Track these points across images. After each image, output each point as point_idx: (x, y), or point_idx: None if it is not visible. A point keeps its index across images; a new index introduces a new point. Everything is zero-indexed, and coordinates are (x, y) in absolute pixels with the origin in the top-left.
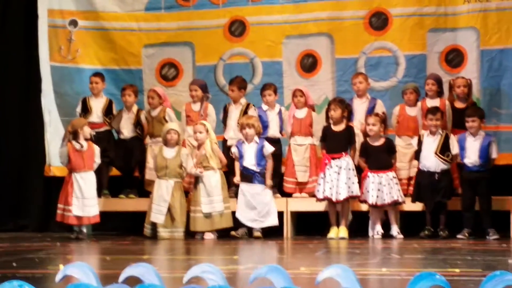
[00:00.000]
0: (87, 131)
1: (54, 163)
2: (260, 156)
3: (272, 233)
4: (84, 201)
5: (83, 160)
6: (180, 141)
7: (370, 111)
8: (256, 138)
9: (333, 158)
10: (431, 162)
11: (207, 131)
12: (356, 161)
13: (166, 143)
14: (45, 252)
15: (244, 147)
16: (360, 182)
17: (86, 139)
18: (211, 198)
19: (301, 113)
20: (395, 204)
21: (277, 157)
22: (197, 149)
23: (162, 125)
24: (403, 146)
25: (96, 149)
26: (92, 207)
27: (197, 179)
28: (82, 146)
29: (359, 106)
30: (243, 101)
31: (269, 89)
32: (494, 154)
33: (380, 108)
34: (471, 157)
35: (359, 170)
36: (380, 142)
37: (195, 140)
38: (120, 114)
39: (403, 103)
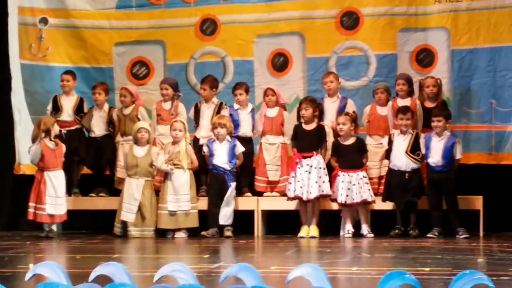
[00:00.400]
0: (56, 129)
1: (24, 162)
2: (232, 155)
3: (243, 232)
4: (57, 199)
5: (56, 158)
6: (151, 139)
7: (341, 111)
8: (228, 137)
9: (304, 157)
10: (402, 161)
11: (185, 129)
12: (327, 160)
13: (136, 141)
14: (14, 250)
15: (215, 145)
16: (331, 181)
17: (55, 137)
18: (178, 196)
19: (273, 112)
20: (365, 203)
21: (249, 156)
22: (171, 146)
23: (134, 123)
24: (374, 145)
25: (64, 147)
26: (62, 205)
27: (166, 177)
28: (56, 144)
29: (330, 105)
30: (215, 100)
31: (240, 88)
32: (458, 155)
33: (351, 107)
34: (435, 157)
35: (330, 169)
36: (351, 141)
37: (173, 137)
38: (91, 112)
39: (374, 103)
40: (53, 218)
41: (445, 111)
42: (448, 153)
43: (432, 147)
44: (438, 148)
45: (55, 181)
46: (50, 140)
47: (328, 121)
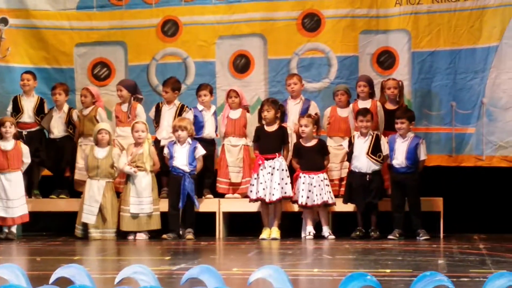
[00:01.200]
0: (10, 130)
1: None
2: (192, 157)
3: (204, 234)
4: (8, 202)
5: (7, 160)
6: (111, 141)
7: (304, 112)
8: (188, 139)
9: (267, 159)
10: (362, 163)
11: (147, 130)
12: (289, 161)
13: (97, 143)
14: None
15: (175, 147)
16: (292, 183)
17: (14, 139)
18: (140, 199)
19: (236, 114)
20: (325, 205)
21: (211, 157)
22: (133, 147)
23: (93, 124)
24: (335, 147)
25: (25, 148)
26: (17, 207)
27: (127, 178)
28: (14, 146)
29: (293, 107)
30: (177, 102)
31: (205, 89)
32: (422, 156)
33: (314, 109)
34: (399, 158)
35: (292, 171)
36: (312, 143)
37: (136, 138)
38: (50, 113)
39: (334, 105)
40: (5, 220)
41: (408, 112)
42: (412, 154)
43: (396, 149)
44: (402, 149)
45: (7, 183)
46: (1, 140)
47: (291, 123)
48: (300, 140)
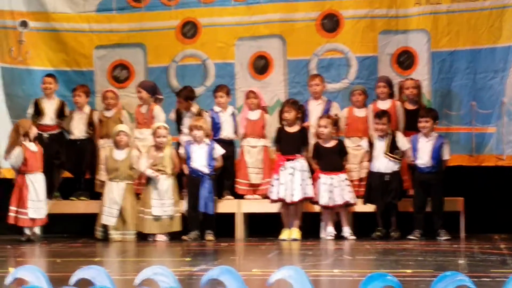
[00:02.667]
0: (34, 131)
1: (4, 166)
2: (210, 158)
3: (224, 235)
4: (39, 203)
5: (37, 161)
6: (131, 142)
7: (326, 113)
8: (206, 140)
9: (288, 160)
10: (381, 163)
11: (168, 134)
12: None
13: (116, 145)
14: None
15: (193, 148)
16: (312, 183)
17: (34, 140)
18: (163, 201)
19: (254, 115)
20: (347, 205)
21: (230, 159)
22: (154, 151)
23: None
24: (353, 147)
25: (42, 150)
26: (43, 209)
27: (148, 181)
28: (38, 147)
29: (315, 108)
30: (194, 108)
31: (221, 90)
32: (446, 156)
33: (335, 110)
34: (424, 158)
35: (311, 172)
36: (331, 144)
37: (157, 143)
38: (71, 115)
39: (351, 105)
40: (35, 221)
41: (432, 112)
42: (437, 154)
43: (420, 148)
44: (427, 149)
45: (36, 184)
46: (30, 142)
47: (313, 123)
48: (319, 141)
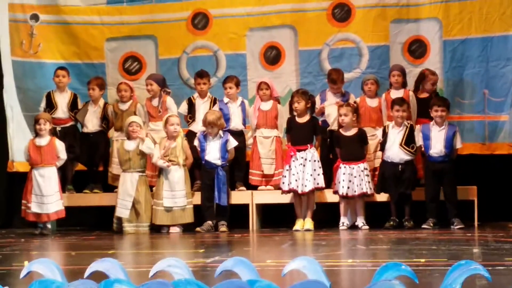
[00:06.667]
0: (44, 126)
1: (17, 159)
2: (224, 150)
3: (237, 226)
4: (43, 198)
5: (41, 155)
6: (143, 134)
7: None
8: (220, 132)
9: (298, 150)
10: (395, 153)
11: (179, 125)
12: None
13: (128, 136)
14: (9, 248)
15: (207, 140)
16: (333, 174)
17: (50, 135)
18: (174, 192)
19: (267, 105)
20: (364, 196)
21: (241, 149)
22: (166, 141)
23: None
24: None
25: (60, 145)
26: (51, 203)
27: (160, 172)
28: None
29: (333, 99)
30: (209, 95)
31: (230, 82)
32: (458, 144)
33: (352, 101)
34: (437, 147)
35: (329, 162)
36: (352, 132)
37: (171, 132)
38: (86, 107)
39: (363, 95)
40: (39, 217)
41: (446, 101)
42: (450, 143)
43: (433, 137)
44: (440, 138)
45: (40, 179)
46: (41, 136)
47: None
48: (340, 129)
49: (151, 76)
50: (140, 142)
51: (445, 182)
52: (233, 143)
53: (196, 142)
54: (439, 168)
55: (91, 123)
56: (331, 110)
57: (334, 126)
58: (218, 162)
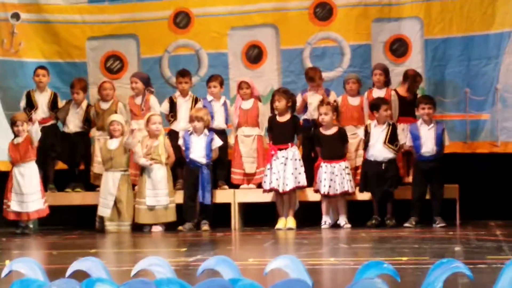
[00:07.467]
0: (21, 127)
1: None
2: (209, 149)
3: (220, 225)
4: (23, 196)
5: (19, 152)
6: (125, 132)
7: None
8: (205, 131)
9: (279, 149)
10: (378, 151)
11: (161, 123)
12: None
13: (110, 135)
14: None
15: (192, 138)
16: (314, 172)
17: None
18: (156, 191)
19: (248, 104)
20: (345, 194)
21: (223, 148)
22: (148, 140)
23: None
24: (348, 136)
25: (32, 140)
26: (31, 202)
27: (143, 171)
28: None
29: (314, 98)
30: (191, 94)
31: (214, 80)
32: (447, 142)
33: (333, 99)
34: (428, 146)
35: (311, 160)
36: (332, 131)
37: (153, 131)
38: (67, 105)
39: (345, 94)
40: (20, 215)
41: (433, 98)
42: (440, 140)
43: (423, 136)
44: (430, 136)
45: (20, 178)
46: (18, 135)
47: (309, 114)
48: (320, 128)
49: (136, 74)
50: (123, 138)
51: (434, 180)
52: (218, 142)
53: (180, 141)
54: (429, 167)
55: (73, 124)
56: (312, 100)
57: (316, 116)
58: (203, 160)
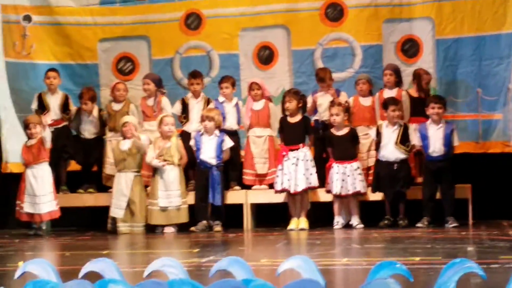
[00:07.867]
0: (34, 129)
1: (11, 160)
2: (220, 150)
3: (232, 226)
4: (35, 198)
5: (32, 154)
6: (136, 134)
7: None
8: (216, 131)
9: (291, 150)
10: (390, 152)
11: (174, 125)
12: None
13: (123, 136)
14: (3, 249)
15: (203, 139)
16: (325, 173)
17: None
18: (169, 192)
19: (259, 105)
20: (357, 195)
21: (235, 149)
22: (161, 141)
23: None
24: (360, 136)
25: (44, 142)
26: (44, 204)
27: (155, 172)
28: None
29: (325, 99)
30: (203, 95)
31: (227, 81)
32: (456, 142)
33: (344, 99)
34: (436, 146)
35: (323, 161)
36: (344, 131)
37: (166, 132)
38: (78, 115)
39: (356, 94)
40: (32, 217)
41: (443, 98)
42: (448, 141)
43: (431, 136)
44: (438, 136)
45: (33, 179)
46: (31, 137)
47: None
48: (332, 129)
49: (148, 76)
50: (135, 140)
51: (443, 181)
52: (229, 143)
53: (192, 142)
54: (437, 167)
55: (88, 132)
56: (323, 101)
57: (326, 117)
58: (213, 161)
